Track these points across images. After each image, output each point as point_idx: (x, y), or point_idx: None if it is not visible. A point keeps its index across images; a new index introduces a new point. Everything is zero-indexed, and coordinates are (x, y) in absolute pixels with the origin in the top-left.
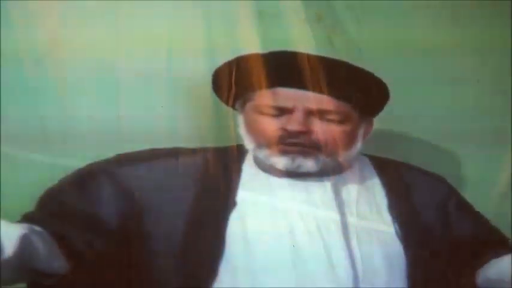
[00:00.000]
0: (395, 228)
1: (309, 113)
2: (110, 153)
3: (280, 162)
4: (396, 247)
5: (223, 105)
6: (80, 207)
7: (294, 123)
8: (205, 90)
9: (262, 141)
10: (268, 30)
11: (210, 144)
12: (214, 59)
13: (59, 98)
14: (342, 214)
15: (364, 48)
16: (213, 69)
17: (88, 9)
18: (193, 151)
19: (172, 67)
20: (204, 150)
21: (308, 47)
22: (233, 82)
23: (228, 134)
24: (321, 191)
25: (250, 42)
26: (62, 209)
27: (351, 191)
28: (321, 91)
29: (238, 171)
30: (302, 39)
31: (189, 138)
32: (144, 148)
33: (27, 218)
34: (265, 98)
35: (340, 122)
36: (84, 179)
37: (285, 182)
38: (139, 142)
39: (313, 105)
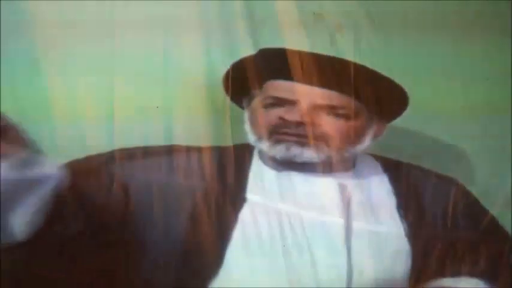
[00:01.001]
0: (404, 228)
1: (315, 107)
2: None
3: (275, 150)
4: (401, 247)
5: (219, 105)
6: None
7: (294, 114)
8: (203, 90)
9: (262, 132)
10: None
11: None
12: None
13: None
14: (347, 215)
15: (373, 47)
16: (210, 69)
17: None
18: (197, 149)
19: (170, 67)
20: (208, 148)
21: (303, 48)
22: (240, 81)
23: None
24: (325, 189)
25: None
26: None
27: (357, 190)
28: (328, 87)
29: (246, 169)
30: (295, 40)
31: (185, 139)
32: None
33: None
34: (268, 90)
35: (348, 117)
36: (80, 173)
37: (284, 177)
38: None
39: (320, 101)
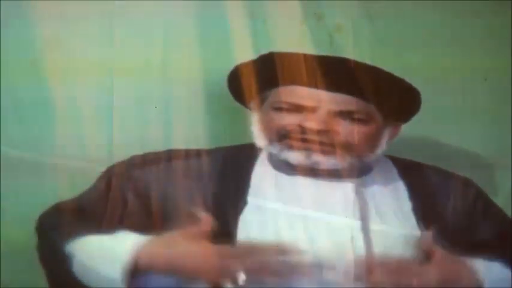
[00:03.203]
0: (420, 231)
1: (333, 114)
2: (106, 154)
3: (294, 156)
4: None
5: (218, 107)
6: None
7: (314, 122)
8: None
9: (275, 136)
10: (263, 32)
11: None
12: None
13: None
14: (364, 219)
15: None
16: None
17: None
18: (208, 152)
19: (168, 67)
20: (217, 150)
21: (307, 48)
22: (253, 81)
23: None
24: (340, 192)
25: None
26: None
27: (374, 193)
28: (343, 92)
29: (250, 170)
30: (300, 40)
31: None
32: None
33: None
34: (281, 95)
35: (365, 122)
36: (104, 185)
37: (296, 181)
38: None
39: (338, 107)
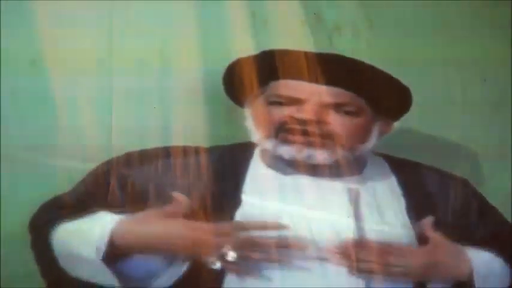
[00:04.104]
0: (414, 230)
1: (324, 106)
2: (106, 153)
3: (287, 151)
4: None
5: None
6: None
7: (304, 112)
8: (200, 90)
9: (268, 130)
10: (265, 32)
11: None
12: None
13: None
14: (358, 218)
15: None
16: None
17: None
18: (205, 150)
19: (168, 67)
20: (215, 148)
21: (307, 47)
22: (247, 78)
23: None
24: (333, 191)
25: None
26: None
27: (374, 190)
28: (333, 84)
29: (245, 168)
30: (300, 40)
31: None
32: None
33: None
34: (274, 89)
35: (355, 114)
36: (97, 181)
37: (291, 179)
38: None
39: (329, 99)
